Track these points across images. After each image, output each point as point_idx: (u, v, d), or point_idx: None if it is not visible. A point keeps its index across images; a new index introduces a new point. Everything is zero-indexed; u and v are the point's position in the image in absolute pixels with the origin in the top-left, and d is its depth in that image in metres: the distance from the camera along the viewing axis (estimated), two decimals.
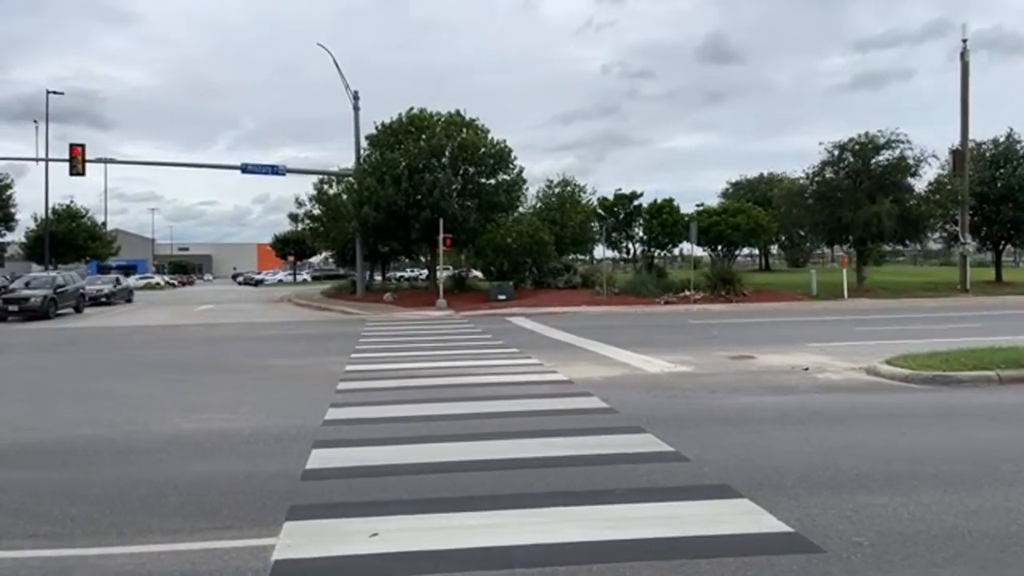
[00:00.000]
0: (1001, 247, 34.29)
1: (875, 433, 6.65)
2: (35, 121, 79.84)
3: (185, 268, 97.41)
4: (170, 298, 43.19)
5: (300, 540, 4.25)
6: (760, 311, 22.56)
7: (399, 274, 61.13)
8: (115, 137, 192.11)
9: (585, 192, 40.12)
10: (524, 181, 31.74)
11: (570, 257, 39.71)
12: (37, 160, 38.82)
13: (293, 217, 50.63)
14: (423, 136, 29.71)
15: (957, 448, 6.13)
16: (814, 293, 26.84)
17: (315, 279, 71.85)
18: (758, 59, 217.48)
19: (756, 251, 62.71)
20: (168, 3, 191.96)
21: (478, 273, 37.88)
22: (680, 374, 10.32)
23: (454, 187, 29.12)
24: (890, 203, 26.93)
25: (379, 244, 34.37)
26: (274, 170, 33.56)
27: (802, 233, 43.45)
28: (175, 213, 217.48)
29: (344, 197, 33.83)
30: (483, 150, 29.66)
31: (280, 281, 71.80)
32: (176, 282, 73.35)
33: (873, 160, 28.27)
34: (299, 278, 74.65)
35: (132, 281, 49.79)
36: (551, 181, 40.77)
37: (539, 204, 38.47)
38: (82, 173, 30.36)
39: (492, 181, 30.42)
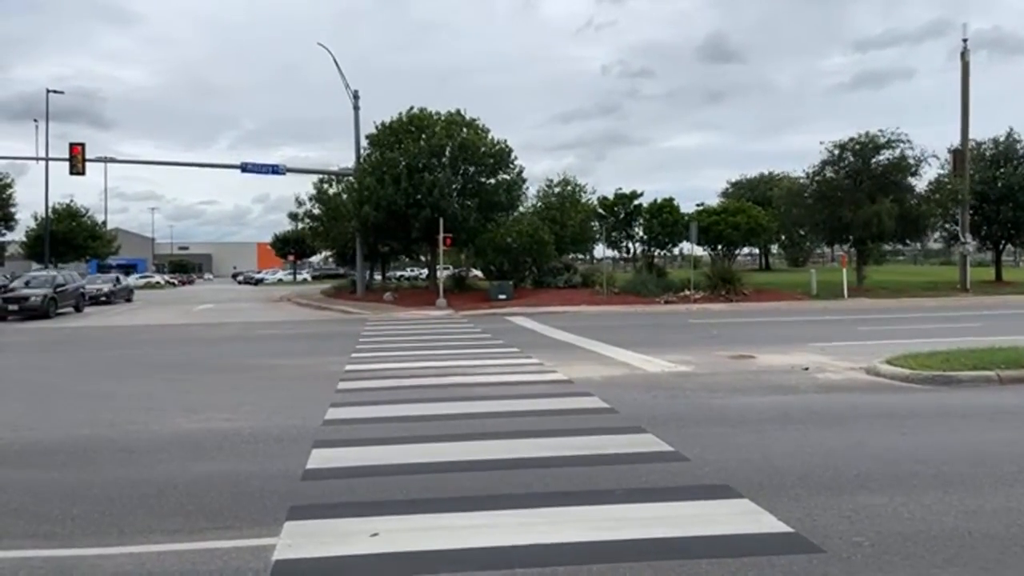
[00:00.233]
0: (1001, 247, 34.28)
1: (875, 433, 6.65)
2: (35, 120, 79.85)
3: (185, 267, 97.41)
4: (170, 297, 43.20)
5: (300, 540, 4.25)
6: (760, 311, 22.56)
7: (399, 273, 61.12)
8: (115, 136, 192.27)
9: (585, 191, 40.13)
10: (524, 181, 31.77)
11: (570, 257, 39.71)
12: (37, 159, 38.85)
13: (293, 216, 50.63)
14: (423, 136, 29.69)
15: (957, 448, 6.12)
16: (814, 293, 26.84)
17: (315, 278, 71.83)
18: (758, 59, 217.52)
19: (756, 251, 62.74)
20: (169, 3, 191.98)
21: (478, 272, 37.88)
22: (680, 374, 10.32)
23: (454, 187, 29.11)
24: (890, 203, 26.92)
25: (379, 243, 34.37)
26: (274, 170, 33.54)
27: (802, 233, 43.39)
28: (175, 212, 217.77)
29: (344, 196, 33.81)
30: (483, 150, 29.64)
31: (280, 280, 71.82)
32: (176, 281, 73.35)
33: (873, 160, 28.26)
34: (299, 277, 74.65)
35: (132, 280, 49.81)
36: (551, 181, 40.76)
37: (539, 204, 38.45)
38: (82, 172, 30.33)
39: (492, 181, 30.40)
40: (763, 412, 7.61)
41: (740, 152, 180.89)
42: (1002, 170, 31.31)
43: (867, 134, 28.34)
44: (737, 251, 48.33)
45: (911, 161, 28.17)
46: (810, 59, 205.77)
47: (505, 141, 30.49)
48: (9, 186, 42.29)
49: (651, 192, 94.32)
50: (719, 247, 43.77)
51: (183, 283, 74.78)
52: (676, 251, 42.57)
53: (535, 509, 4.70)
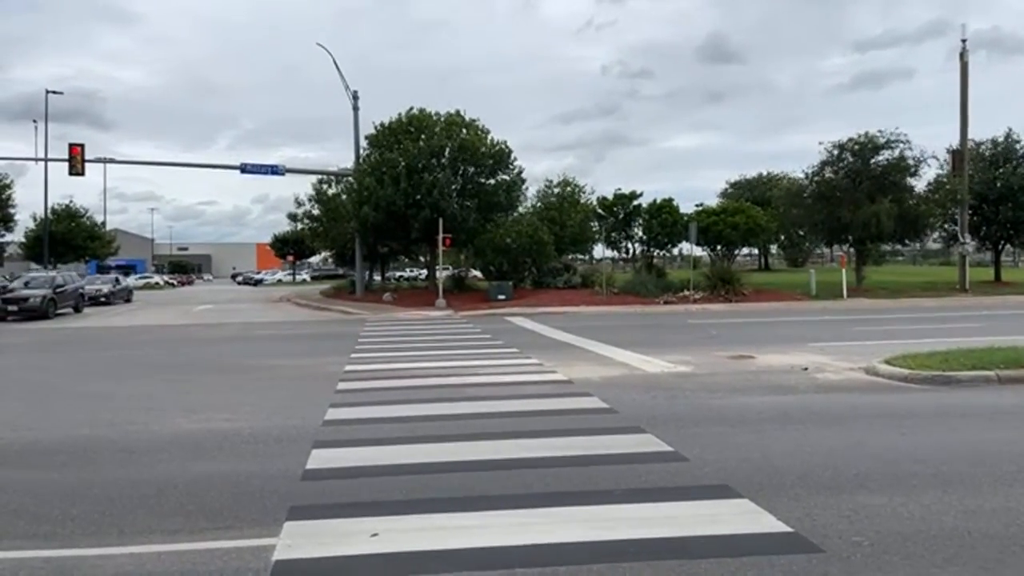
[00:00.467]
0: (1000, 247, 34.29)
1: (874, 433, 6.66)
2: (34, 121, 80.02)
3: (184, 268, 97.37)
4: (169, 298, 43.18)
5: (300, 540, 4.26)
6: (759, 311, 22.57)
7: (398, 274, 61.13)
8: (115, 137, 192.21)
9: (584, 192, 40.15)
10: (524, 181, 31.78)
11: (569, 257, 39.69)
12: (36, 160, 38.82)
13: (292, 217, 50.65)
14: (423, 136, 29.70)
15: (956, 448, 6.13)
16: (813, 293, 26.85)
17: (314, 279, 71.85)
18: (758, 59, 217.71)
19: (755, 251, 62.77)
20: (168, 3, 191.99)
21: (477, 273, 37.87)
22: (680, 374, 10.32)
23: (453, 187, 29.12)
24: (889, 203, 26.94)
25: (378, 244, 34.37)
26: (273, 170, 33.56)
27: (801, 233, 43.51)
28: (174, 213, 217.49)
29: (343, 197, 33.82)
30: (483, 150, 29.64)
31: (279, 281, 71.82)
32: (175, 282, 73.31)
33: (872, 160, 28.28)
34: (298, 278, 74.65)
35: (131, 281, 49.77)
36: (551, 181, 40.79)
37: (539, 204, 38.47)
38: (81, 173, 30.36)
39: (492, 181, 30.41)
40: (762, 412, 7.61)
41: (739, 152, 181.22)
42: (1001, 170, 31.32)
43: (866, 134, 28.38)
44: (736, 251, 48.36)
45: (910, 161, 28.19)
46: (810, 59, 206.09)
47: (505, 142, 30.54)
48: (8, 187, 42.29)
49: (650, 192, 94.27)
50: (718, 247, 43.80)
51: (182, 284, 74.73)
52: (675, 251, 42.66)
53: (535, 509, 4.70)
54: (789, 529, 4.29)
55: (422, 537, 4.25)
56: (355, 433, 6.99)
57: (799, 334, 15.27)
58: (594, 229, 38.68)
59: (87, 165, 30.68)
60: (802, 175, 30.51)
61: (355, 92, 33.35)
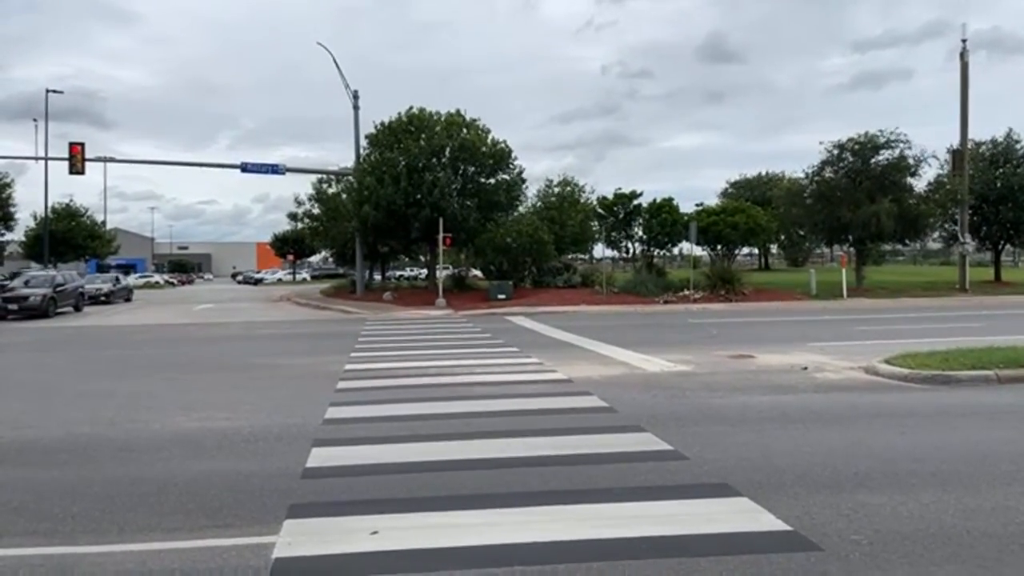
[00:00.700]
0: (1000, 247, 34.29)
1: (874, 432, 6.67)
2: (35, 120, 79.93)
3: (184, 267, 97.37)
4: (169, 297, 43.18)
5: (300, 538, 4.26)
6: (759, 310, 22.57)
7: (399, 273, 61.09)
8: (115, 136, 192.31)
9: (584, 191, 40.14)
10: (524, 181, 31.75)
11: (570, 256, 39.70)
12: (36, 159, 38.80)
13: (292, 216, 50.71)
14: (423, 136, 29.69)
15: (956, 447, 6.14)
16: (813, 293, 26.86)
17: (314, 278, 71.85)
18: (758, 59, 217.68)
19: (756, 250, 62.72)
20: (168, 2, 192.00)
21: (478, 272, 37.87)
22: (680, 373, 10.33)
23: (454, 186, 29.11)
24: (889, 203, 26.95)
25: (379, 243, 34.36)
26: (274, 169, 33.54)
27: (801, 233, 43.43)
28: (175, 212, 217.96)
29: (344, 196, 33.80)
30: (483, 150, 29.63)
31: (279, 280, 71.81)
32: (175, 281, 73.31)
33: (872, 160, 28.28)
34: (298, 277, 74.65)
35: (131, 280, 49.76)
36: (551, 181, 40.80)
37: (539, 203, 38.46)
38: (81, 172, 30.34)
39: (492, 181, 30.40)
40: (762, 411, 7.62)
41: (739, 152, 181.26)
42: (1001, 170, 31.32)
43: (866, 134, 28.38)
44: (736, 251, 48.32)
45: (910, 161, 28.20)
46: (809, 59, 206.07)
47: (505, 141, 30.52)
48: (9, 186, 42.29)
49: (650, 192, 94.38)
50: (718, 247, 43.76)
51: (182, 283, 74.74)
52: (675, 251, 42.54)
53: (534, 507, 4.71)
54: (788, 528, 4.30)
55: (422, 535, 4.26)
56: (355, 432, 6.99)
57: (799, 334, 15.27)
58: (594, 229, 38.66)
59: (87, 164, 30.66)
60: (802, 175, 30.55)
61: (355, 92, 33.36)
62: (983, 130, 74.17)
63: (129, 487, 5.34)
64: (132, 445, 6.65)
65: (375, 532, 4.31)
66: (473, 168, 29.84)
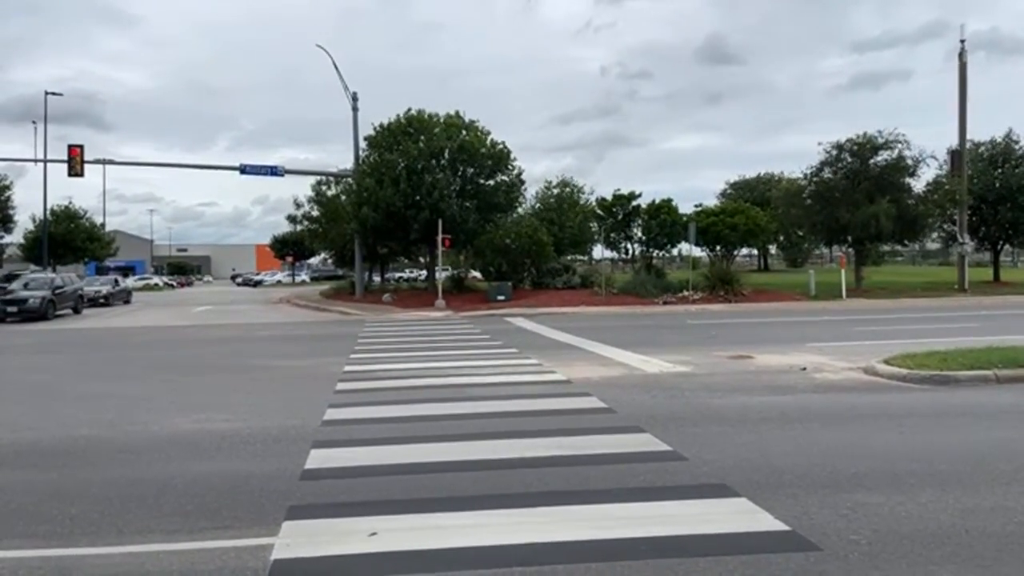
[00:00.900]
0: (999, 247, 34.32)
1: (873, 432, 6.67)
2: (34, 122, 79.86)
3: (184, 269, 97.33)
4: (168, 299, 43.17)
5: (298, 540, 4.26)
6: (759, 311, 22.58)
7: (398, 275, 61.12)
8: (115, 138, 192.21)
9: (584, 192, 40.20)
10: (523, 182, 31.78)
11: (569, 258, 39.68)
12: (36, 161, 38.83)
13: (291, 219, 50.73)
14: (422, 137, 29.71)
15: (954, 447, 6.14)
16: (812, 293, 26.87)
17: (314, 280, 71.85)
18: (757, 60, 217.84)
19: (755, 251, 62.77)
20: (168, 5, 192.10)
21: (477, 274, 37.88)
22: (679, 374, 10.33)
23: (453, 188, 29.13)
24: (888, 203, 26.96)
25: (378, 245, 34.37)
26: (273, 171, 33.54)
27: (800, 233, 43.53)
28: (174, 214, 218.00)
29: (343, 198, 33.81)
30: (482, 151, 29.65)
31: (279, 282, 71.80)
32: (174, 283, 73.28)
33: (871, 160, 28.32)
34: (298, 279, 74.65)
35: (130, 282, 49.74)
36: (550, 182, 40.84)
37: (538, 205, 38.49)
38: (80, 174, 30.36)
39: (491, 182, 30.42)
40: (761, 412, 7.62)
41: (739, 153, 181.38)
42: (1000, 171, 31.36)
43: (865, 135, 28.42)
44: (736, 252, 48.34)
45: (909, 162, 28.23)
46: (808, 60, 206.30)
47: (504, 142, 30.55)
48: (8, 188, 42.30)
49: (650, 193, 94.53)
50: (718, 248, 43.78)
51: (181, 285, 74.71)
52: (675, 252, 42.61)
53: (533, 508, 4.71)
54: (787, 528, 4.30)
55: (420, 536, 4.26)
56: (354, 433, 6.99)
57: (798, 334, 15.28)
58: (593, 230, 38.70)
59: (86, 166, 30.69)
60: (801, 176, 30.58)
61: (354, 93, 33.38)
62: (982, 130, 74.24)
63: (128, 489, 5.34)
64: (131, 447, 6.65)
65: (374, 533, 4.31)
66: (472, 169, 29.85)
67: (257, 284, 70.33)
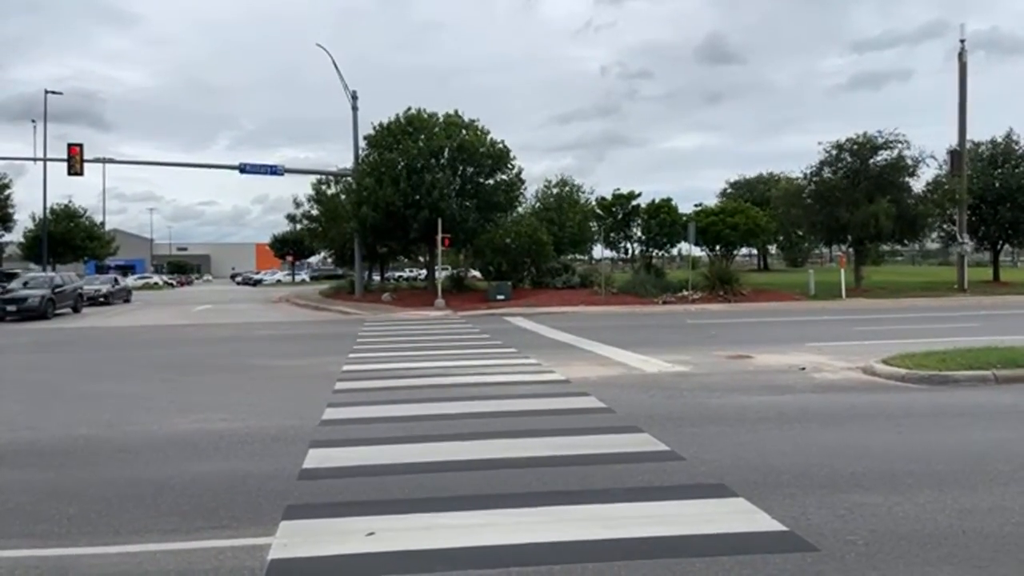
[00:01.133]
0: (999, 247, 34.31)
1: (871, 432, 6.67)
2: (33, 121, 79.74)
3: (183, 268, 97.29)
4: (168, 298, 43.16)
5: (296, 539, 4.26)
6: (758, 311, 22.58)
7: (398, 274, 61.13)
8: (115, 137, 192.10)
9: (583, 192, 40.21)
10: (523, 181, 31.77)
11: (568, 257, 39.74)
12: (35, 160, 38.79)
13: (291, 218, 50.73)
14: (422, 137, 29.70)
15: (953, 448, 6.14)
16: (812, 293, 26.87)
17: (313, 279, 71.86)
18: (757, 59, 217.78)
19: (755, 251, 62.82)
20: (168, 4, 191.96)
21: (477, 273, 37.89)
22: (677, 374, 10.33)
23: (452, 187, 29.11)
24: (888, 203, 26.96)
25: (377, 244, 34.36)
26: (272, 170, 33.53)
27: (800, 233, 43.52)
28: (174, 213, 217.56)
29: (343, 197, 33.80)
30: (481, 150, 29.64)
31: (279, 281, 71.79)
32: (174, 282, 73.25)
33: (871, 160, 28.32)
34: (297, 278, 74.64)
35: (130, 281, 49.73)
36: (549, 181, 40.84)
37: (538, 204, 38.49)
38: (80, 173, 30.33)
39: (491, 181, 30.41)
40: (760, 412, 7.62)
41: (739, 153, 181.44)
42: (1000, 171, 31.35)
43: (865, 135, 28.43)
44: (735, 251, 48.39)
45: (909, 161, 28.25)
46: (809, 60, 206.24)
47: (503, 141, 30.53)
48: (7, 187, 42.29)
49: (650, 193, 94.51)
50: (717, 247, 43.83)
51: (181, 284, 74.68)
52: (674, 251, 42.70)
53: (531, 508, 4.71)
54: (784, 528, 4.30)
55: (418, 536, 4.26)
56: (352, 433, 6.99)
57: (797, 334, 15.28)
58: (593, 229, 38.72)
59: (86, 165, 30.65)
60: (801, 175, 30.58)
61: (354, 92, 33.36)
62: (982, 130, 74.35)
63: (126, 488, 5.34)
64: (129, 446, 6.65)
65: (371, 533, 4.31)
66: (472, 169, 29.84)
67: (257, 283, 70.31)
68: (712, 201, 51.55)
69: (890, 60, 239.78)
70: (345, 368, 11.38)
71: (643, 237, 38.32)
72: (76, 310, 28.33)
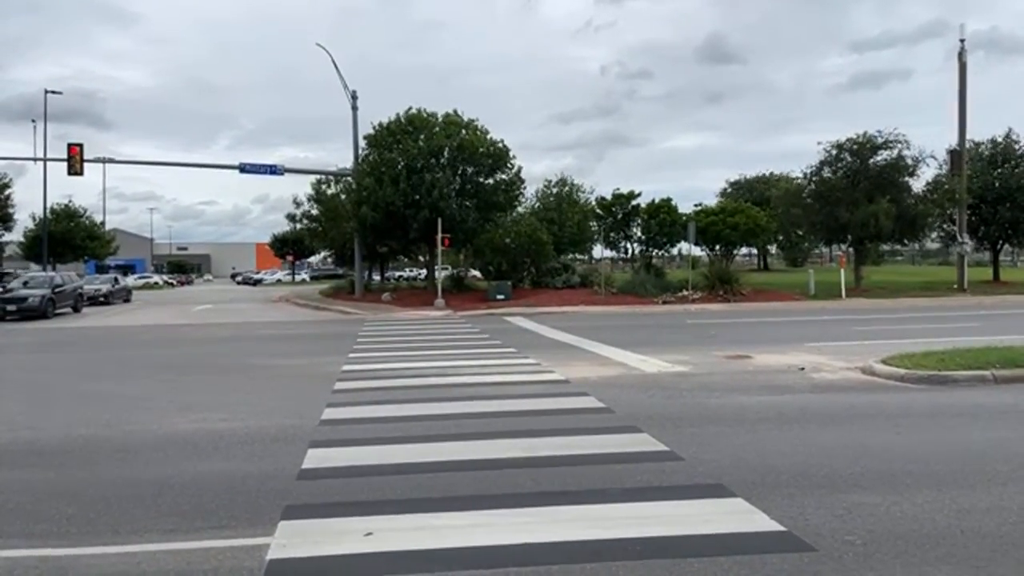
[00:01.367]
0: (999, 247, 34.31)
1: (870, 433, 6.67)
2: (33, 121, 79.99)
3: (184, 268, 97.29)
4: (168, 298, 43.17)
5: (295, 539, 4.27)
6: (758, 311, 22.58)
7: (398, 274, 61.15)
8: (115, 137, 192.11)
9: (583, 191, 40.18)
10: (522, 181, 31.75)
11: (568, 257, 39.71)
12: (35, 160, 38.79)
13: (291, 217, 50.72)
14: (421, 136, 29.70)
15: (951, 448, 6.15)
16: (812, 293, 26.87)
17: (314, 279, 71.85)
18: (757, 59, 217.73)
19: (755, 251, 62.81)
20: (168, 3, 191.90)
21: (476, 273, 37.89)
22: (677, 374, 10.33)
23: (452, 187, 29.10)
24: (888, 203, 26.96)
25: (377, 244, 34.36)
26: (272, 170, 33.53)
27: (800, 233, 43.52)
28: (174, 213, 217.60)
29: (342, 197, 33.80)
30: (481, 150, 29.64)
31: (279, 281, 71.81)
32: (174, 282, 73.27)
33: (871, 160, 28.32)
34: (297, 278, 74.65)
35: (130, 281, 49.70)
36: (549, 181, 40.83)
37: (537, 204, 38.48)
38: (80, 173, 30.33)
39: (490, 181, 30.39)
40: (759, 412, 7.63)
41: (739, 152, 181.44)
42: (1000, 170, 31.34)
43: (865, 134, 28.42)
44: (735, 251, 48.38)
45: (909, 161, 28.24)
46: (808, 60, 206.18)
47: (502, 140, 30.52)
48: (8, 186, 42.30)
49: (650, 192, 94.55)
50: (717, 247, 43.82)
51: (181, 284, 74.70)
52: (674, 251, 42.69)
53: (529, 508, 4.72)
54: (782, 528, 4.30)
55: (416, 536, 4.26)
56: (351, 433, 7.00)
57: (797, 334, 15.28)
58: (593, 229, 38.71)
59: (86, 165, 30.64)
60: (801, 175, 30.59)
61: (354, 92, 33.36)
62: (981, 130, 74.37)
63: (125, 488, 5.34)
64: (129, 446, 6.66)
65: (369, 533, 4.32)
66: (472, 168, 29.83)
67: (257, 283, 70.31)
68: (712, 201, 51.55)
69: (890, 60, 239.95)
70: (345, 368, 11.39)
71: (643, 237, 38.30)
72: (76, 310, 28.34)
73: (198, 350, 15.18)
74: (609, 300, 25.97)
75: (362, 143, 32.37)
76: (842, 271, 27.69)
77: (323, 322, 22.98)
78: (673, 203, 38.23)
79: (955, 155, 29.29)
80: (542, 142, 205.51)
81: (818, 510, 4.58)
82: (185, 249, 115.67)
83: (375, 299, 30.57)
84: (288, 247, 70.36)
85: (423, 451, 6.15)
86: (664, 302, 25.30)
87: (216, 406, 8.54)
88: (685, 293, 26.34)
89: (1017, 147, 31.62)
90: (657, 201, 38.00)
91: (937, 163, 30.10)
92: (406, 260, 54.99)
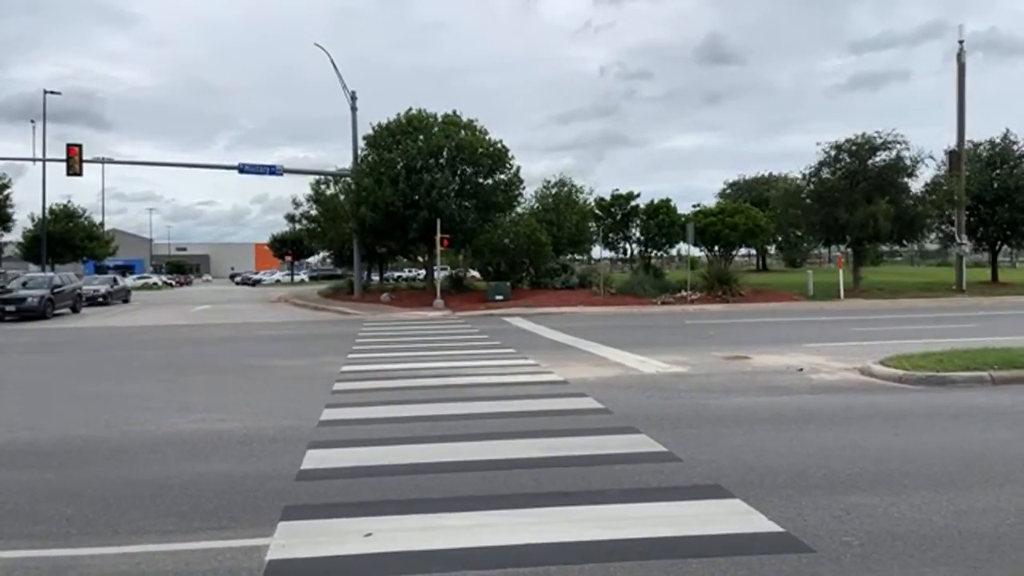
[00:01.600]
0: (997, 248, 34.32)
1: (868, 433, 6.69)
2: (32, 121, 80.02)
3: (183, 268, 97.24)
4: (167, 298, 43.16)
5: (294, 540, 4.28)
6: (757, 311, 22.60)
7: (397, 274, 61.16)
8: (114, 137, 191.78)
9: (582, 192, 40.20)
10: (521, 181, 31.78)
11: (567, 257, 39.72)
12: (34, 160, 38.77)
13: (290, 218, 50.74)
14: (421, 137, 29.72)
15: (949, 449, 6.16)
16: (810, 293, 26.90)
17: (312, 279, 71.84)
18: (756, 60, 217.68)
19: (753, 251, 62.82)
20: (167, 3, 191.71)
21: (475, 273, 37.90)
22: (675, 375, 10.35)
23: (451, 187, 29.13)
24: (886, 204, 26.98)
25: (376, 244, 34.38)
26: (271, 170, 33.54)
27: (799, 233, 43.54)
28: (173, 213, 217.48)
29: (342, 197, 33.81)
30: (480, 150, 29.67)
31: (278, 281, 71.80)
32: (173, 282, 73.24)
33: (870, 161, 28.34)
34: (296, 278, 74.65)
35: (129, 281, 49.69)
36: (548, 181, 40.84)
37: (536, 205, 38.49)
38: (79, 173, 30.34)
39: (489, 181, 30.43)
40: (757, 412, 7.64)
41: (738, 153, 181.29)
42: (998, 171, 31.37)
43: (863, 135, 28.44)
44: (734, 252, 48.37)
45: (907, 162, 28.25)
46: (808, 60, 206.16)
47: (501, 141, 30.56)
48: (7, 187, 42.26)
49: (649, 193, 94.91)
50: (716, 248, 43.82)
51: (180, 284, 74.67)
52: (673, 252, 42.66)
53: (528, 509, 4.73)
54: (780, 529, 4.32)
55: (416, 537, 4.27)
56: (351, 433, 7.01)
57: (796, 335, 15.31)
58: (592, 229, 38.72)
59: (85, 165, 30.65)
60: (800, 176, 30.62)
61: (353, 93, 33.39)
62: (980, 131, 74.53)
63: (124, 489, 5.35)
64: (128, 447, 6.66)
65: (369, 534, 4.33)
66: (471, 169, 29.86)
67: (256, 283, 70.31)
68: (711, 201, 51.53)
69: (889, 61, 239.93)
70: (344, 369, 11.40)
71: (642, 237, 38.28)
72: (75, 310, 28.34)
73: (197, 351, 15.19)
74: (608, 301, 25.99)
75: (361, 143, 32.40)
76: (840, 272, 27.72)
77: (322, 323, 22.98)
78: (672, 203, 38.18)
79: (954, 156, 29.33)
80: (541, 142, 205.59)
81: (816, 511, 4.59)
82: (184, 249, 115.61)
83: (374, 300, 30.58)
84: (287, 247, 70.37)
85: (422, 452, 6.16)
86: (663, 303, 25.32)
87: (215, 407, 8.55)
88: (684, 294, 26.36)
89: (1015, 148, 31.66)
90: (656, 202, 37.97)
91: (936, 164, 30.17)
92: (405, 260, 54.97)
